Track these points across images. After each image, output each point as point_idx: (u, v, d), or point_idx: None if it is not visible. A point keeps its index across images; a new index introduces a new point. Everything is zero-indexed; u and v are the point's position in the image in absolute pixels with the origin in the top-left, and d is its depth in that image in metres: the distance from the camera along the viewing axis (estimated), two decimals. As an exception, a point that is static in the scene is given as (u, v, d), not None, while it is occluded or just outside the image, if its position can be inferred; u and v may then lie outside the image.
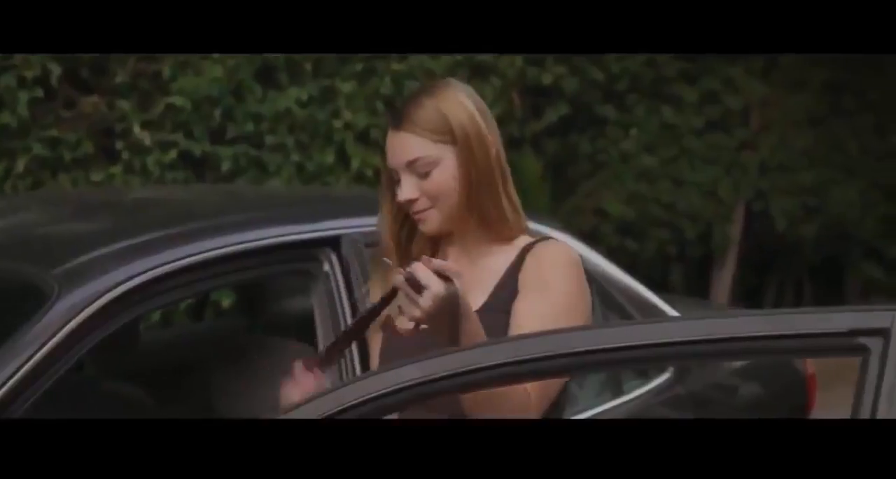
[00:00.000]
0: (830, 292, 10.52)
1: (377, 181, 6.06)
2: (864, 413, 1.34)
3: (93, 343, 2.31)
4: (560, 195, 7.73)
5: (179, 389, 3.19)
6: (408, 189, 2.21)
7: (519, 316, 2.16)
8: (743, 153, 8.77)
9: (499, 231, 2.28)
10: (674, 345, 1.45)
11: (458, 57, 6.42)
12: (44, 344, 2.22)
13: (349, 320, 2.77)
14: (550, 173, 7.64)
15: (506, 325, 2.17)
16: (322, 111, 5.84)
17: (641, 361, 1.56)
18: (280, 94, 5.63)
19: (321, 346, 2.78)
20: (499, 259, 2.28)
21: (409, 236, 2.32)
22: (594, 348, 1.46)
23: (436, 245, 2.33)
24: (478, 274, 2.26)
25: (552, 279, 2.18)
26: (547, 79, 7.06)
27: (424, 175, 2.21)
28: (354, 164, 6.00)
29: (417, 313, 1.97)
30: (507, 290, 2.22)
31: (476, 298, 2.18)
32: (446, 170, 2.21)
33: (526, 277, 2.21)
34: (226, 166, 5.44)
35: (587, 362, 1.50)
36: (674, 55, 7.97)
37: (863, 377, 1.37)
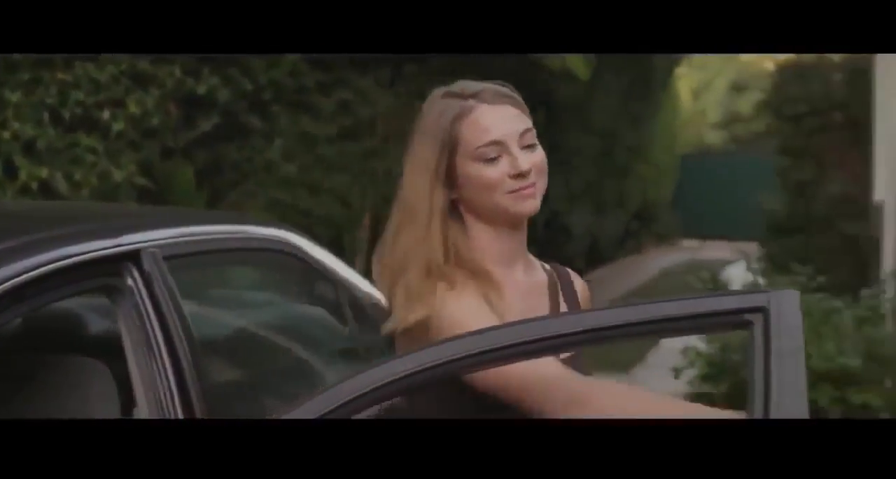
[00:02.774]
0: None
1: (41, 194, 5.97)
2: (758, 375, 1.63)
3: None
4: (211, 204, 7.80)
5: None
6: (524, 160, 2.03)
7: None
8: (371, 160, 9.11)
9: None
10: (609, 328, 1.72)
11: (122, 66, 6.38)
12: None
13: (158, 334, 2.81)
14: (203, 182, 7.70)
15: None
16: (-9, 122, 5.66)
17: (587, 342, 1.78)
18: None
19: (130, 360, 2.79)
20: (537, 272, 2.20)
21: (455, 241, 2.08)
22: (551, 334, 1.71)
23: (474, 247, 2.11)
24: (533, 289, 2.17)
25: None
26: (202, 89, 7.11)
27: (532, 147, 2.07)
28: (22, 176, 5.83)
29: None
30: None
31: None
32: (540, 147, 2.11)
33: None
34: None
35: (546, 347, 1.74)
36: (313, 66, 8.23)
37: (751, 346, 1.67)
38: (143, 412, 2.74)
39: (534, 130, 2.08)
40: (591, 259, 14.48)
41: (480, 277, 2.05)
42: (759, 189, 12.30)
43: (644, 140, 15.61)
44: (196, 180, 7.53)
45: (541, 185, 2.08)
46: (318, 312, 3.99)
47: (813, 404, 4.79)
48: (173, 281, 2.84)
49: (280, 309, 4.06)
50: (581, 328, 1.76)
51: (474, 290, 2.02)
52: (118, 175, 6.41)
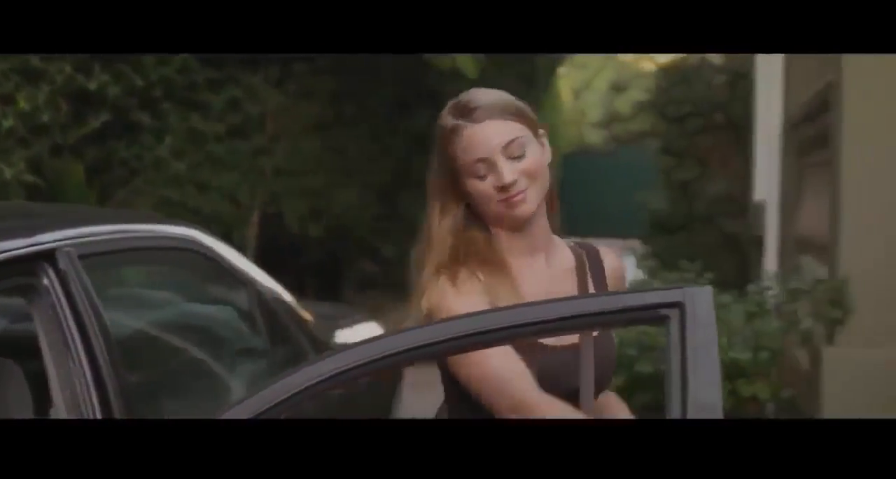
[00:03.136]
0: (328, 287, 11.09)
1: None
2: (675, 367, 1.72)
3: None
4: (100, 202, 7.72)
5: None
6: (508, 171, 2.21)
7: None
8: (259, 158, 9.11)
9: (553, 222, 2.37)
10: (536, 324, 1.81)
11: (13, 62, 6.28)
12: None
13: (74, 333, 2.80)
14: (93, 180, 7.62)
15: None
16: None
17: (514, 337, 1.87)
18: None
19: (47, 360, 2.78)
20: (562, 258, 2.37)
21: (466, 237, 2.30)
22: (476, 330, 1.78)
23: (490, 244, 2.31)
24: (557, 275, 2.34)
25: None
26: (93, 85, 7.04)
27: (519, 157, 2.23)
28: None
29: None
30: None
31: None
32: (536, 149, 2.26)
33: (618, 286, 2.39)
34: None
35: (472, 343, 1.83)
36: (203, 63, 8.19)
37: (668, 339, 1.76)
38: (60, 411, 2.74)
39: (522, 138, 2.23)
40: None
41: (497, 270, 2.26)
42: (640, 188, 12.54)
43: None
44: (86, 178, 7.44)
45: (534, 188, 2.25)
46: (224, 310, 4.01)
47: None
48: (89, 280, 2.84)
49: (179, 309, 4.06)
50: (507, 324, 1.82)
51: (475, 285, 2.22)
52: (7, 173, 6.31)
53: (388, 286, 11.67)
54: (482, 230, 2.30)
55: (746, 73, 10.44)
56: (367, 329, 4.75)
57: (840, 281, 4.83)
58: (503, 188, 2.22)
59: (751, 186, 9.80)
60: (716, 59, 11.29)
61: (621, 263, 2.46)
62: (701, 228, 10.49)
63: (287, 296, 4.14)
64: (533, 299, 2.16)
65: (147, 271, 4.01)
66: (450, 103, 2.30)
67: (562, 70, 17.95)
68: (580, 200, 19.23)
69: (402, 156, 11.57)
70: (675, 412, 1.69)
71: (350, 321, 4.81)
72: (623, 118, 20.17)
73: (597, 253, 2.42)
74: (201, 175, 8.56)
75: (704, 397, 1.69)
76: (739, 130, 10.60)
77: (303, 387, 1.81)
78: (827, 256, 5.71)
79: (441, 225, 2.29)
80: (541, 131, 2.31)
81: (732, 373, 4.96)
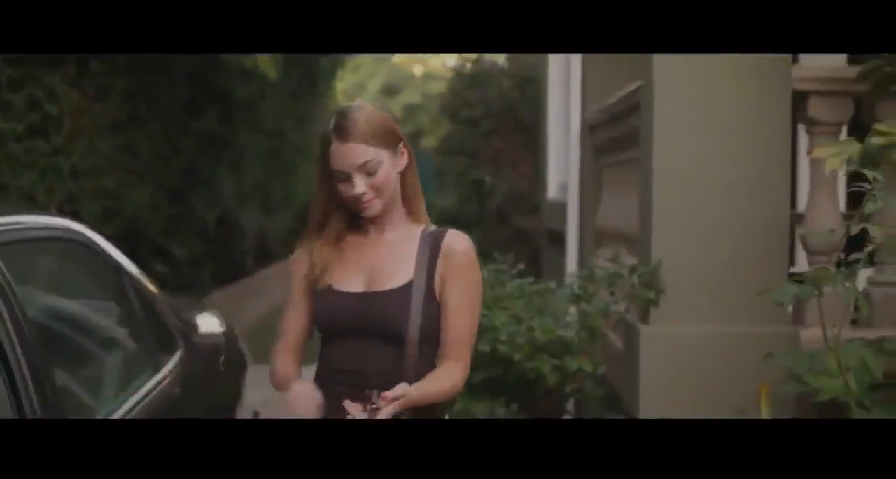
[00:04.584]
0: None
1: None
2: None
3: None
4: None
5: None
6: (360, 186, 2.87)
7: (454, 309, 2.90)
8: (56, 158, 9.04)
9: (414, 212, 2.99)
10: None
11: None
12: None
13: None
14: None
15: (430, 305, 2.87)
16: None
17: None
18: None
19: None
20: (404, 235, 2.97)
21: (335, 217, 2.98)
22: None
23: (353, 221, 2.99)
24: (394, 249, 2.95)
25: (472, 274, 2.92)
26: None
27: (372, 173, 2.88)
28: None
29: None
30: (426, 271, 2.91)
31: (397, 273, 2.92)
32: (386, 168, 2.89)
33: (449, 267, 2.91)
34: None
35: None
36: (7, 61, 8.10)
37: None
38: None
39: (375, 160, 2.86)
40: (261, 257, 14.70)
41: (328, 245, 2.99)
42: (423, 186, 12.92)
43: (309, 140, 16.02)
44: None
45: (380, 197, 2.89)
46: (103, 298, 4.05)
47: (536, 371, 5.36)
48: (7, 272, 2.89)
49: (53, 301, 4.05)
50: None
51: (307, 246, 3.00)
52: None
53: (178, 287, 11.66)
54: (339, 210, 2.97)
55: (535, 78, 10.90)
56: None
57: (654, 266, 5.24)
58: (356, 197, 2.87)
59: (544, 185, 10.26)
60: (505, 64, 11.72)
61: (462, 245, 2.93)
62: (494, 224, 10.93)
63: (138, 272, 4.23)
64: (356, 261, 2.95)
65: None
66: (336, 112, 2.93)
67: (338, 73, 18.23)
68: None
69: (192, 157, 11.60)
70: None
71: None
72: (397, 120, 20.51)
73: (441, 235, 2.95)
74: (0, 175, 8.45)
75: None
76: (529, 131, 11.08)
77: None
78: (629, 245, 6.17)
79: (315, 207, 2.99)
80: (400, 144, 2.92)
81: (559, 351, 5.38)
